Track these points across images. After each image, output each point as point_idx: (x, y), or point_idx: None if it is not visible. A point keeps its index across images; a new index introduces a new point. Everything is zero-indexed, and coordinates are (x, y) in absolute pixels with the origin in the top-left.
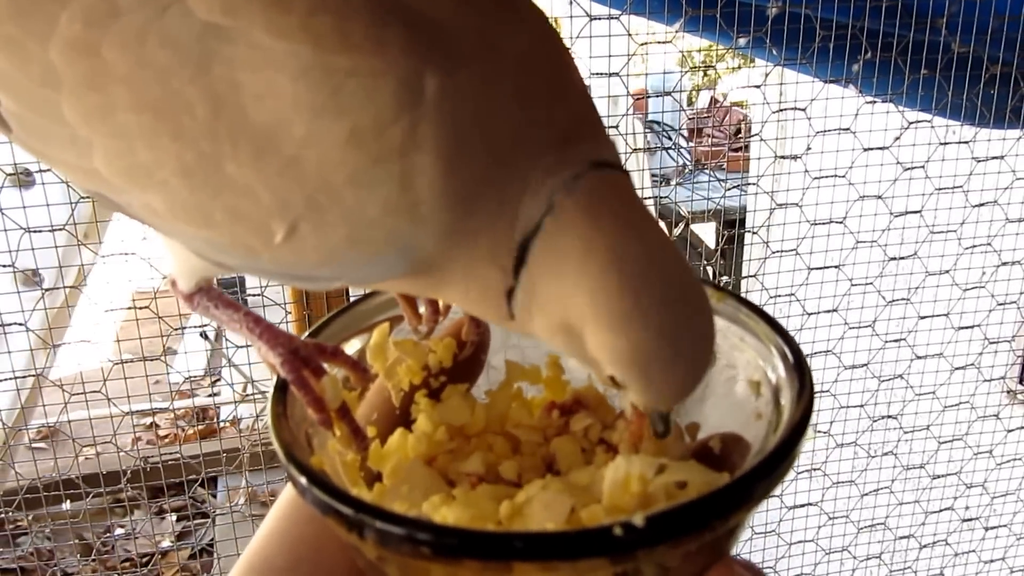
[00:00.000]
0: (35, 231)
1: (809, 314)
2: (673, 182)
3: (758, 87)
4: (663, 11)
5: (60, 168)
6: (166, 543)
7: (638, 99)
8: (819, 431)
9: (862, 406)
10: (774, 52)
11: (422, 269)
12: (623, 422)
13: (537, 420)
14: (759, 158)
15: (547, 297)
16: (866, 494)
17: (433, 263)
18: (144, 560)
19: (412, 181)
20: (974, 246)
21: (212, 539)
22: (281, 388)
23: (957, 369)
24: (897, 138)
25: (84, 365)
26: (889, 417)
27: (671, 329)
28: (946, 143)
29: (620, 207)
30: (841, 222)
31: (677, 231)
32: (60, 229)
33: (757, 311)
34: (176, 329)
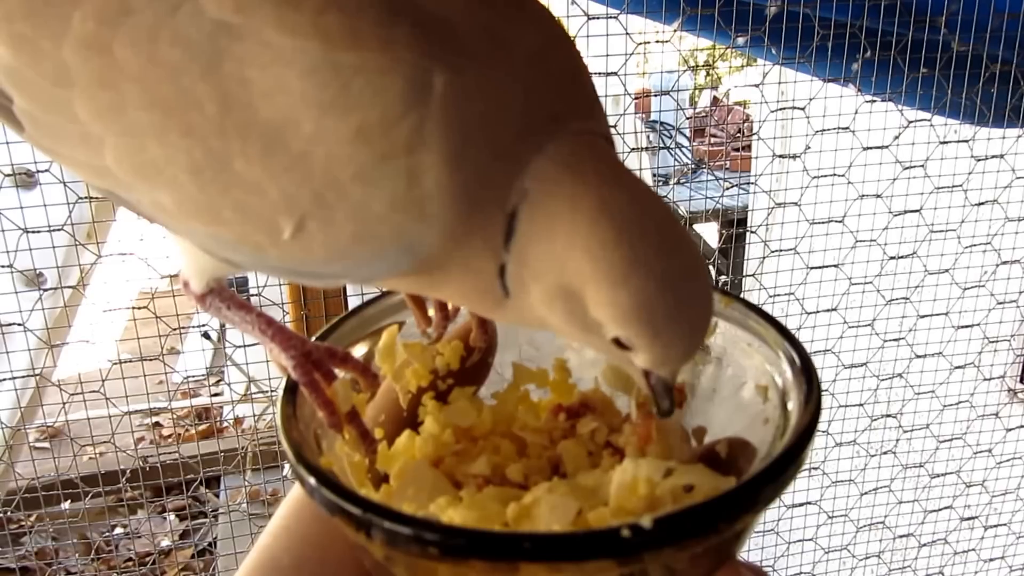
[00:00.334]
0: (37, 231)
1: (809, 313)
2: (672, 182)
3: (757, 86)
4: (661, 10)
5: (71, 166)
6: (168, 542)
7: (638, 98)
8: (819, 430)
9: (862, 405)
10: (773, 51)
11: (425, 266)
12: (629, 425)
13: (544, 423)
14: (757, 157)
15: (540, 262)
16: (866, 493)
17: (435, 260)
18: (146, 559)
19: (418, 178)
20: (974, 245)
21: (214, 538)
22: (291, 389)
23: (957, 368)
24: (897, 137)
25: (87, 365)
26: (889, 416)
27: (672, 277)
28: (946, 142)
29: (601, 164)
30: (841, 221)
31: None
32: (58, 229)
33: (765, 316)
34: (175, 329)
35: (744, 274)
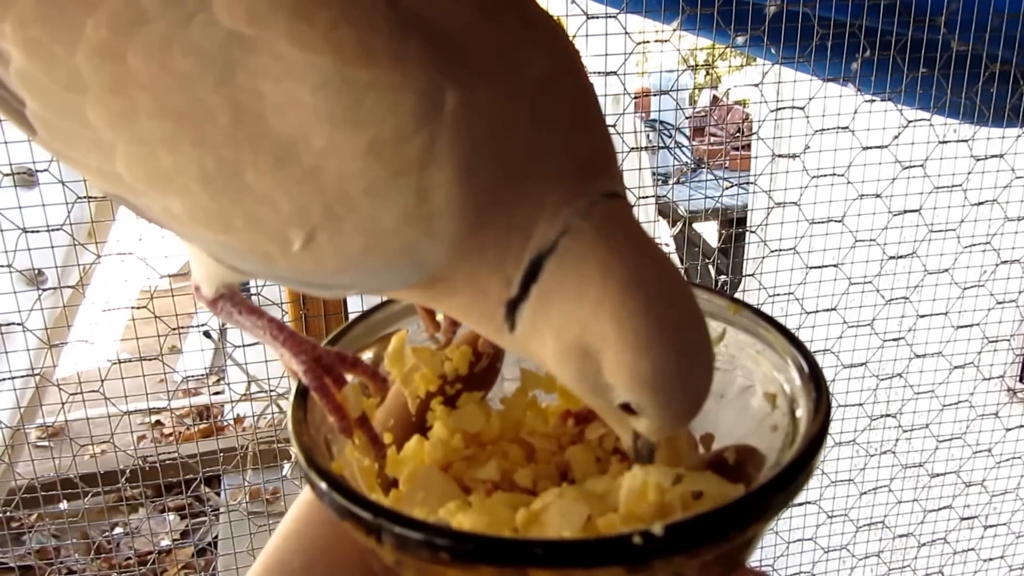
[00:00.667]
0: (36, 231)
1: (808, 313)
2: (671, 181)
3: (756, 86)
4: (660, 9)
5: (83, 171)
6: (168, 541)
7: (638, 98)
8: None
9: (861, 404)
10: (772, 50)
11: (432, 280)
12: None
13: (552, 428)
14: (757, 156)
15: (563, 317)
16: (865, 492)
17: (442, 275)
18: (147, 558)
19: (428, 194)
20: (973, 245)
21: (215, 537)
22: (302, 394)
23: (956, 368)
24: (896, 136)
25: (87, 365)
26: (888, 416)
27: (689, 352)
28: (945, 141)
29: (633, 233)
30: (840, 221)
31: (676, 229)
32: (58, 229)
33: (774, 323)
34: (174, 329)
35: (744, 274)
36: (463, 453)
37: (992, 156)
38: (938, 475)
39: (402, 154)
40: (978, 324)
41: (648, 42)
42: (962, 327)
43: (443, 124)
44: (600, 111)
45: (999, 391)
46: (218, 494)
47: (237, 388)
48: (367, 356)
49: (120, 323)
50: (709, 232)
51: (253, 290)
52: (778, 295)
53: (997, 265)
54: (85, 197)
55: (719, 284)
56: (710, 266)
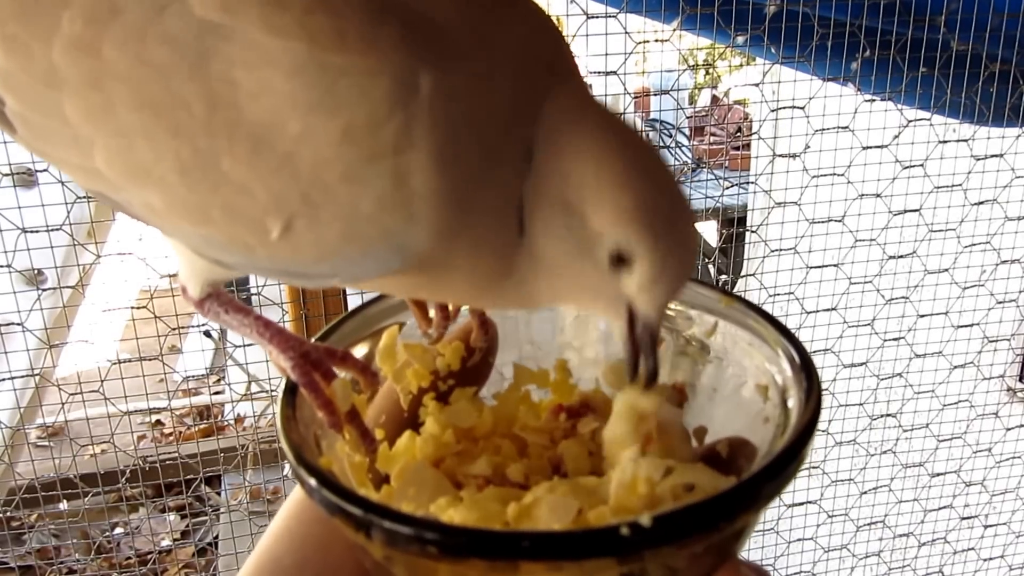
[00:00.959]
0: (35, 231)
1: (808, 312)
2: None
3: (756, 85)
4: (660, 9)
5: (63, 167)
6: (169, 541)
7: (638, 97)
8: (819, 429)
9: (861, 404)
10: (772, 50)
11: (420, 267)
12: None
13: (544, 423)
14: (757, 156)
15: (548, 181)
16: (865, 492)
17: (432, 260)
18: (147, 558)
19: (406, 178)
20: (973, 244)
21: (215, 536)
22: (290, 390)
23: (956, 367)
24: (896, 136)
25: (87, 365)
26: (888, 415)
27: (668, 188)
28: (945, 141)
29: (601, 107)
30: (840, 220)
31: None
32: (57, 229)
33: (765, 316)
34: (174, 329)
35: (744, 273)
36: (455, 449)
37: (992, 156)
38: (938, 475)
39: (377, 139)
40: (978, 324)
41: (648, 42)
42: (962, 327)
43: (419, 108)
44: (578, 68)
45: (999, 391)
46: (219, 494)
47: (237, 388)
48: (362, 351)
49: (120, 323)
50: (709, 232)
51: (253, 290)
52: (778, 295)
53: (997, 265)
54: (84, 197)
55: (719, 284)
56: (710, 266)
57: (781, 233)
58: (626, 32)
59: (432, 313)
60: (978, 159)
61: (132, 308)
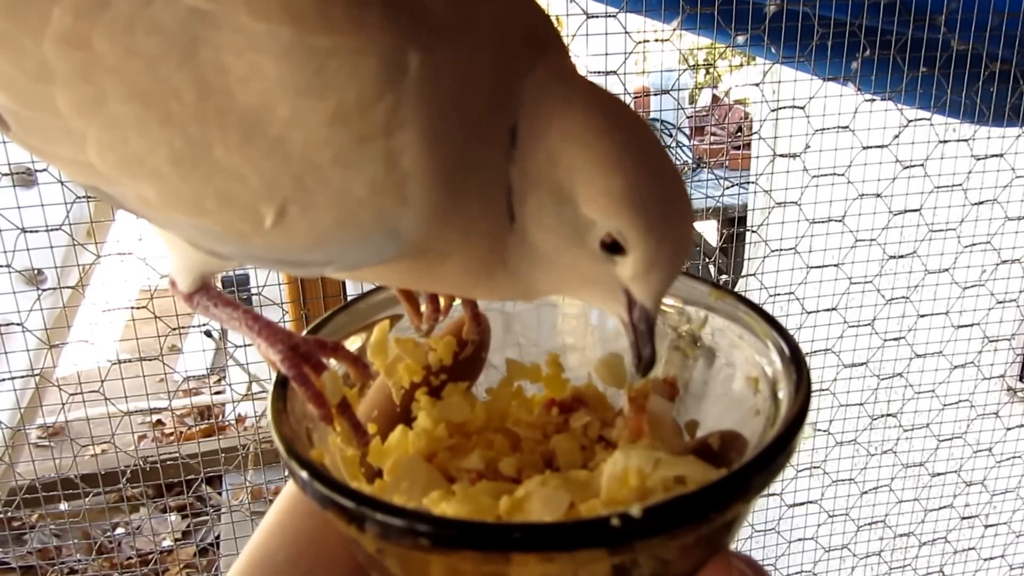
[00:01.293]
0: (35, 231)
1: (808, 312)
2: None
3: (757, 85)
4: (660, 9)
5: (57, 163)
6: (170, 541)
7: (638, 97)
8: (819, 429)
9: (862, 404)
10: (772, 50)
11: (415, 254)
12: (622, 419)
13: (537, 417)
14: (757, 156)
15: (536, 164)
16: (866, 492)
17: (427, 247)
18: (149, 558)
19: (397, 159)
20: (974, 244)
21: (216, 536)
22: (281, 384)
23: (957, 367)
24: (896, 136)
25: (87, 365)
26: (889, 415)
27: (661, 171)
28: (945, 141)
29: (590, 83)
30: (840, 220)
31: None
32: (57, 229)
33: (755, 308)
34: (174, 328)
35: (744, 273)
36: (447, 443)
37: (992, 155)
38: (938, 474)
39: (367, 120)
40: (978, 324)
41: (648, 41)
42: (962, 327)
43: (407, 87)
44: (558, 33)
45: (999, 391)
46: (220, 494)
47: (238, 388)
48: (354, 345)
49: (120, 323)
50: (709, 231)
51: (254, 290)
52: (778, 295)
53: (997, 265)
54: (84, 197)
55: (720, 283)
56: (710, 265)
57: (781, 233)
58: (626, 32)
59: (424, 308)
60: (978, 159)
61: (132, 308)
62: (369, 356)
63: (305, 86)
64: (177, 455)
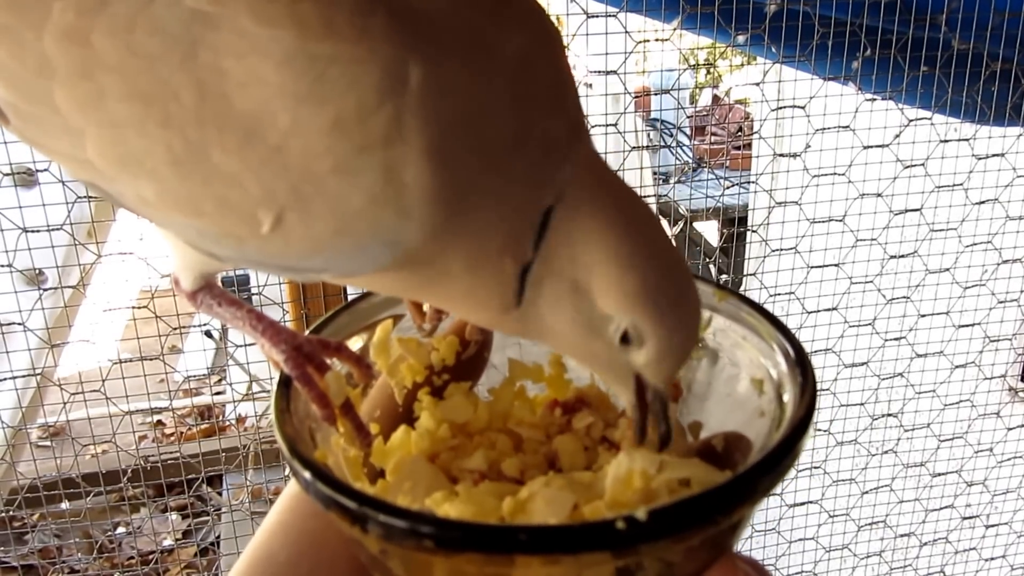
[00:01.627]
0: (36, 231)
1: (809, 312)
2: (672, 180)
3: (757, 85)
4: (661, 8)
5: (55, 158)
6: (171, 541)
7: (638, 97)
8: (819, 429)
9: (862, 404)
10: (773, 49)
11: (413, 265)
12: (625, 420)
13: (539, 418)
14: (758, 156)
15: (560, 260)
16: (866, 492)
17: (427, 260)
18: (149, 558)
19: (397, 172)
20: (974, 244)
21: (217, 536)
22: (285, 384)
23: (957, 367)
24: (897, 136)
25: (88, 364)
26: (889, 415)
27: (673, 269)
28: (946, 141)
29: (615, 180)
30: (841, 220)
31: (677, 229)
32: (58, 229)
33: (759, 309)
34: (175, 328)
35: (744, 273)
36: (450, 443)
37: (993, 155)
38: (939, 474)
39: (367, 130)
40: (979, 323)
41: (648, 41)
42: (963, 326)
43: (408, 99)
44: (575, 87)
45: (1000, 390)
46: (220, 494)
47: (239, 388)
48: (356, 345)
49: (121, 323)
50: (710, 231)
51: (255, 289)
52: (779, 295)
53: (998, 264)
54: (85, 197)
55: (720, 283)
56: (711, 265)
57: (782, 233)
58: (626, 31)
59: (426, 307)
60: (979, 158)
61: (133, 308)
62: (372, 355)
63: (306, 93)
64: (178, 455)
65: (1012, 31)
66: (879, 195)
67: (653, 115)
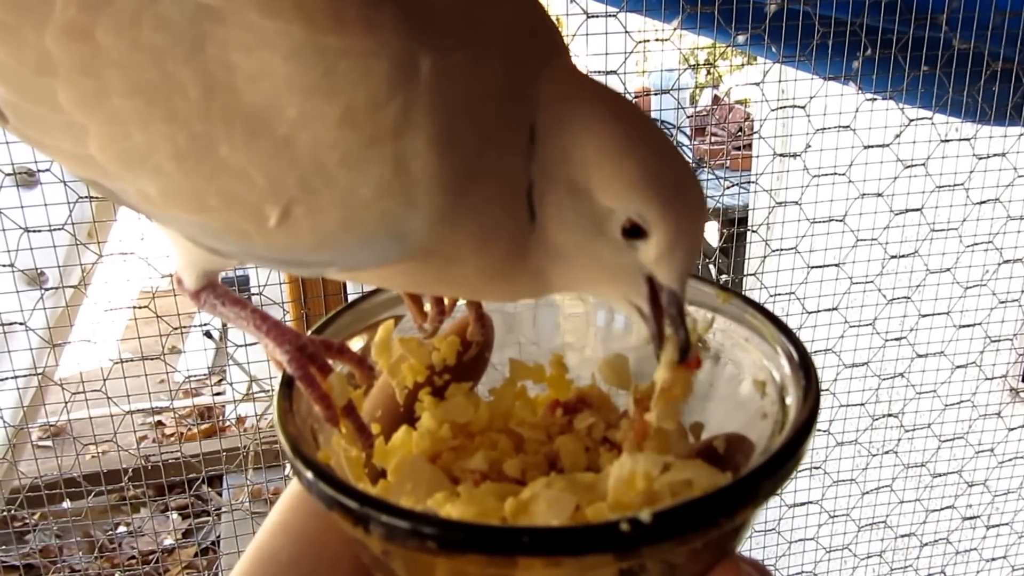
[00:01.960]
0: (38, 231)
1: (809, 312)
2: None
3: (757, 85)
4: (661, 8)
5: (56, 156)
6: (171, 541)
7: (638, 97)
8: (820, 429)
9: (863, 404)
10: (773, 49)
11: (423, 258)
12: (626, 421)
13: (541, 418)
14: (758, 156)
15: (552, 163)
16: (867, 492)
17: (436, 251)
18: (150, 558)
19: (406, 163)
20: (975, 244)
21: (217, 536)
22: (287, 384)
23: (958, 367)
24: (898, 135)
25: (89, 364)
26: (890, 415)
27: (667, 153)
28: (947, 140)
29: (596, 83)
30: (841, 220)
31: None
32: (59, 229)
33: (762, 311)
34: (176, 328)
35: (745, 273)
36: (451, 444)
37: (994, 155)
38: (940, 475)
39: (377, 122)
40: (980, 324)
41: (648, 41)
42: (964, 326)
43: (419, 90)
44: (562, 39)
45: (1001, 391)
46: (220, 494)
47: (239, 388)
48: (357, 345)
49: (122, 323)
50: (710, 231)
51: (255, 289)
52: (779, 295)
53: (999, 264)
54: (86, 197)
55: (721, 283)
56: (711, 265)
57: (782, 233)
58: (626, 31)
59: (428, 308)
60: (980, 158)
61: (134, 308)
62: (373, 356)
63: (315, 86)
64: (179, 455)
65: (1013, 31)
66: (880, 195)
67: (653, 115)
